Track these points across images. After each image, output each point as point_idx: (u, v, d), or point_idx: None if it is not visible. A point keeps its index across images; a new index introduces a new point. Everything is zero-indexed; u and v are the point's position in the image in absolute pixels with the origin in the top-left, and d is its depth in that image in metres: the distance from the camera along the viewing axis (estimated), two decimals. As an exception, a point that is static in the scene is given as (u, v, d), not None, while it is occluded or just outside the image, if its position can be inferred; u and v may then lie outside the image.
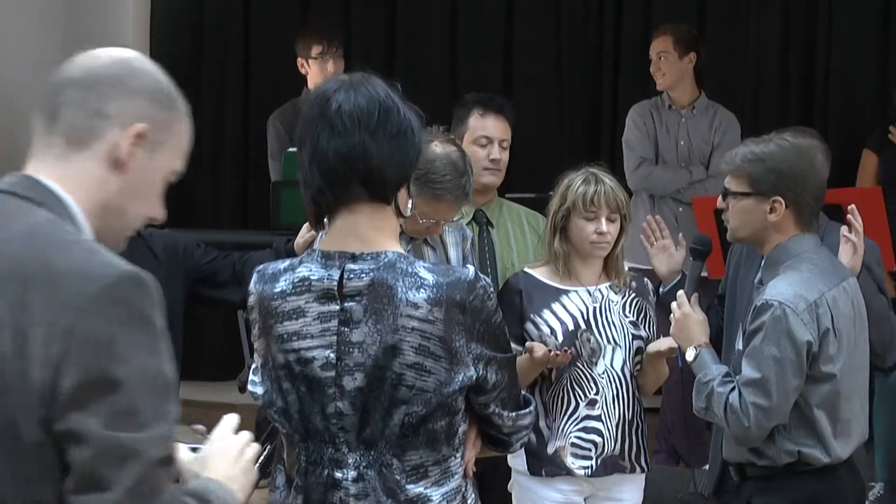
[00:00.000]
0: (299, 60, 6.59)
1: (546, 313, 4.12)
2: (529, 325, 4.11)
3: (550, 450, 4.10)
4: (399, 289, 2.55)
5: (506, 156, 4.67)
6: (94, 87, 2.07)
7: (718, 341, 3.95)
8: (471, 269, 2.62)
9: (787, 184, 3.66)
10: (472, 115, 4.65)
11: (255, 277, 2.71)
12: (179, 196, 5.12)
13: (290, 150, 5.71)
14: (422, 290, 2.55)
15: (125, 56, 2.14)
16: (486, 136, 4.63)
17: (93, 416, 1.88)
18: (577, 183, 4.11)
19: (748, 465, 3.73)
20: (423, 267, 2.59)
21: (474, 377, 2.58)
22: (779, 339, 3.56)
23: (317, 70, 6.49)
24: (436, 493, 2.61)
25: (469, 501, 2.68)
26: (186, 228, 5.32)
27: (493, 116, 4.65)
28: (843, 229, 3.90)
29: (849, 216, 3.91)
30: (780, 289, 3.60)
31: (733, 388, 3.62)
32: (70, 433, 1.88)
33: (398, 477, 2.58)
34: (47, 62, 7.27)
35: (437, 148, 3.92)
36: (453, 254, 4.23)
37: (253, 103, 7.73)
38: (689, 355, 3.77)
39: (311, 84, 6.53)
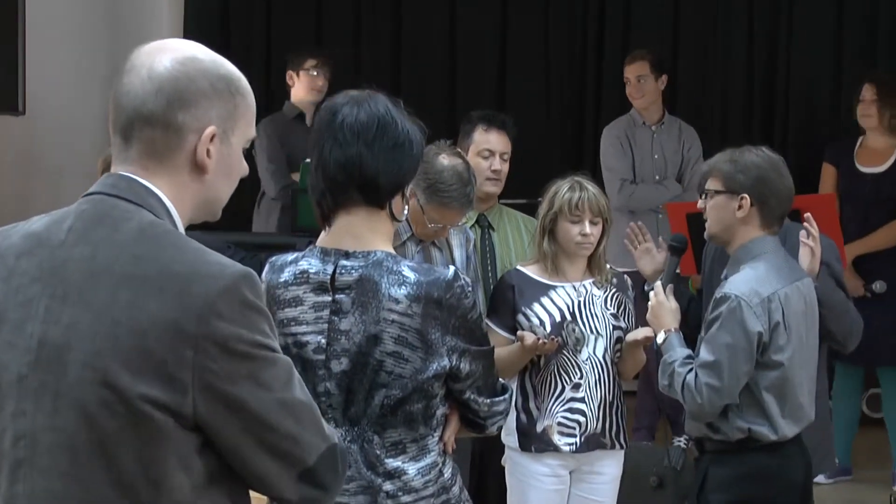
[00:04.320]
0: (288, 73, 6.72)
1: (536, 306, 4.27)
2: (521, 317, 4.27)
3: (539, 428, 4.26)
4: (383, 285, 2.69)
5: (506, 167, 4.82)
6: (157, 98, 2.00)
7: (698, 331, 4.00)
8: (451, 269, 2.76)
9: (755, 185, 3.84)
10: (476, 130, 4.81)
11: (266, 267, 2.86)
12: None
13: (307, 160, 5.98)
14: (403, 286, 2.69)
15: (179, 56, 2.04)
16: (489, 149, 4.78)
17: (251, 386, 1.95)
18: (563, 190, 4.27)
19: (706, 440, 3.92)
20: (408, 266, 2.72)
21: (447, 367, 2.72)
22: (732, 328, 3.75)
23: (306, 81, 6.65)
24: (412, 467, 2.75)
25: (446, 474, 2.82)
26: (215, 230, 5.52)
27: (496, 132, 4.81)
28: (802, 234, 4.05)
29: (805, 223, 4.08)
30: (738, 283, 3.79)
31: (691, 370, 3.80)
32: (236, 402, 1.94)
33: (378, 451, 2.73)
34: (90, 76, 7.27)
35: (445, 160, 4.08)
36: (458, 254, 4.36)
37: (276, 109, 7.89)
38: (660, 338, 3.97)
39: (293, 96, 6.69)
